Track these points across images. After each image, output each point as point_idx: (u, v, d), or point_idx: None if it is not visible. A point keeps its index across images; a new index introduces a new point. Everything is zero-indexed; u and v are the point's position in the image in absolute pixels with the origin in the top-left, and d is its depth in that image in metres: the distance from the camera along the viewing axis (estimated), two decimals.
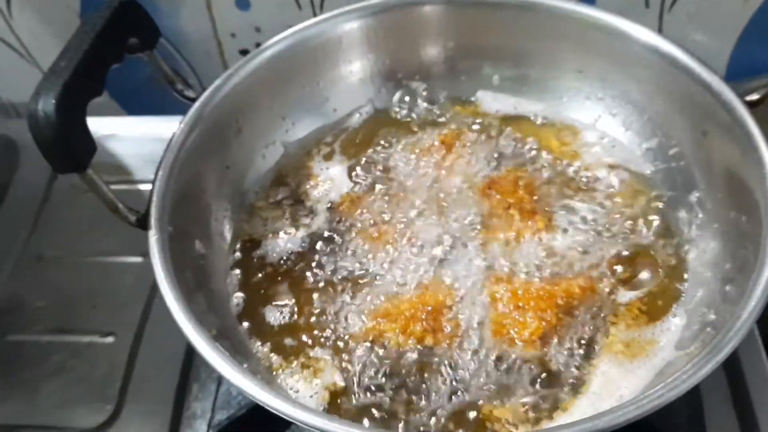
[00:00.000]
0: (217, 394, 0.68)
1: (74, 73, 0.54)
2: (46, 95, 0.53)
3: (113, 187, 0.88)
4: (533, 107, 0.78)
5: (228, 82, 0.69)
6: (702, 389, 0.66)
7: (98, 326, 0.76)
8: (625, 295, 0.63)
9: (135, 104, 1.07)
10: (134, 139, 0.93)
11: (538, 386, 0.59)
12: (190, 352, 0.71)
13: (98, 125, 0.92)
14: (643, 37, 0.69)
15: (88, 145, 0.56)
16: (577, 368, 0.59)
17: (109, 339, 0.75)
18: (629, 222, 0.68)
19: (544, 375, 0.59)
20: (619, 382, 0.58)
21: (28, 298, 0.80)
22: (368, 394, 0.59)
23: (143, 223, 0.59)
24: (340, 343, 0.62)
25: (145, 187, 0.61)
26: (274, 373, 0.61)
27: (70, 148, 0.54)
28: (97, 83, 0.58)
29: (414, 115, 0.80)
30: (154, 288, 0.54)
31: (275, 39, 0.73)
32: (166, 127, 0.66)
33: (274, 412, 0.48)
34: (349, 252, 0.68)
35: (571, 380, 0.59)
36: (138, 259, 0.80)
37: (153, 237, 0.58)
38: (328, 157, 0.77)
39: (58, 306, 0.79)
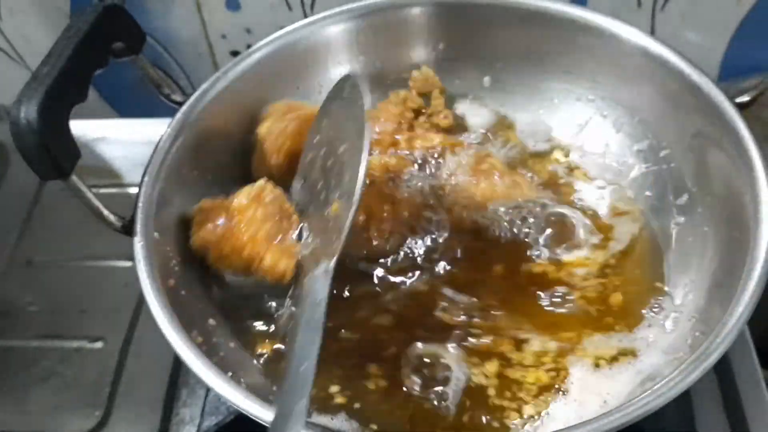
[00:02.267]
0: (206, 400, 0.68)
1: (57, 79, 0.54)
2: (28, 102, 0.52)
3: (103, 191, 0.89)
4: (523, 110, 0.78)
5: (215, 86, 0.69)
6: (692, 392, 0.66)
7: (87, 331, 0.76)
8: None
9: (128, 106, 1.06)
10: (125, 141, 0.93)
11: None
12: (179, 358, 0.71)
13: (88, 128, 0.94)
14: (633, 39, 0.69)
15: (71, 151, 0.55)
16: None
17: (98, 344, 0.75)
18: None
19: None
20: (599, 387, 0.57)
21: (17, 303, 0.80)
22: None
23: (129, 229, 0.59)
24: None
25: (136, 191, 0.61)
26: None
27: (53, 154, 0.53)
28: (80, 89, 0.58)
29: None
30: None
31: (263, 42, 0.73)
32: (157, 130, 0.65)
33: (257, 420, 0.47)
34: None
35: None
36: (128, 264, 0.79)
37: (138, 243, 0.57)
38: None
39: (47, 311, 0.79)
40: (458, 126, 0.78)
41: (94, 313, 0.78)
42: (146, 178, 0.61)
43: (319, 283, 0.54)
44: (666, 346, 0.58)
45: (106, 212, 0.59)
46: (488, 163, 0.71)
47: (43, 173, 0.54)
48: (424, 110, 0.79)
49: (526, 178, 0.72)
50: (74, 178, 0.56)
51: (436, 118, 0.77)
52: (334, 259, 0.55)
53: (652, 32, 0.83)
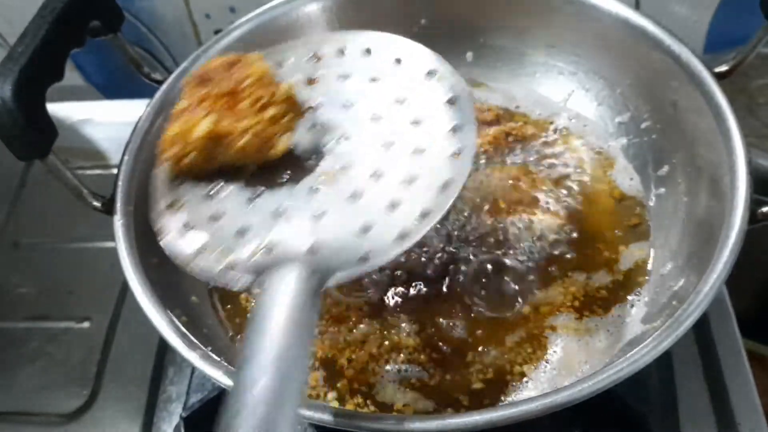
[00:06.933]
0: (192, 377, 0.68)
1: (32, 58, 0.53)
2: (3, 81, 0.52)
3: (89, 172, 0.89)
4: (506, 84, 0.78)
5: (195, 64, 0.68)
6: (674, 362, 0.66)
7: (74, 312, 0.77)
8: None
9: (113, 89, 1.06)
10: (110, 123, 0.93)
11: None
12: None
13: (73, 110, 0.94)
14: (614, 10, 0.68)
15: (48, 130, 0.55)
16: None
17: (85, 324, 0.76)
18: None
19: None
20: (579, 356, 0.58)
21: (5, 284, 0.80)
22: None
23: (109, 209, 0.59)
24: None
25: None
26: None
27: (30, 134, 0.53)
28: (56, 68, 0.57)
29: None
30: None
31: (244, 18, 0.73)
32: (141, 111, 0.65)
33: None
34: None
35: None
36: (114, 244, 0.80)
37: (118, 222, 0.58)
38: None
39: (34, 292, 0.79)
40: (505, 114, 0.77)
41: (81, 294, 0.78)
42: (126, 157, 0.62)
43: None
44: (643, 316, 0.59)
45: (85, 192, 0.59)
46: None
47: (20, 153, 0.54)
48: None
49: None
50: (52, 157, 0.56)
51: (481, 115, 0.75)
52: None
53: (638, 6, 0.83)
